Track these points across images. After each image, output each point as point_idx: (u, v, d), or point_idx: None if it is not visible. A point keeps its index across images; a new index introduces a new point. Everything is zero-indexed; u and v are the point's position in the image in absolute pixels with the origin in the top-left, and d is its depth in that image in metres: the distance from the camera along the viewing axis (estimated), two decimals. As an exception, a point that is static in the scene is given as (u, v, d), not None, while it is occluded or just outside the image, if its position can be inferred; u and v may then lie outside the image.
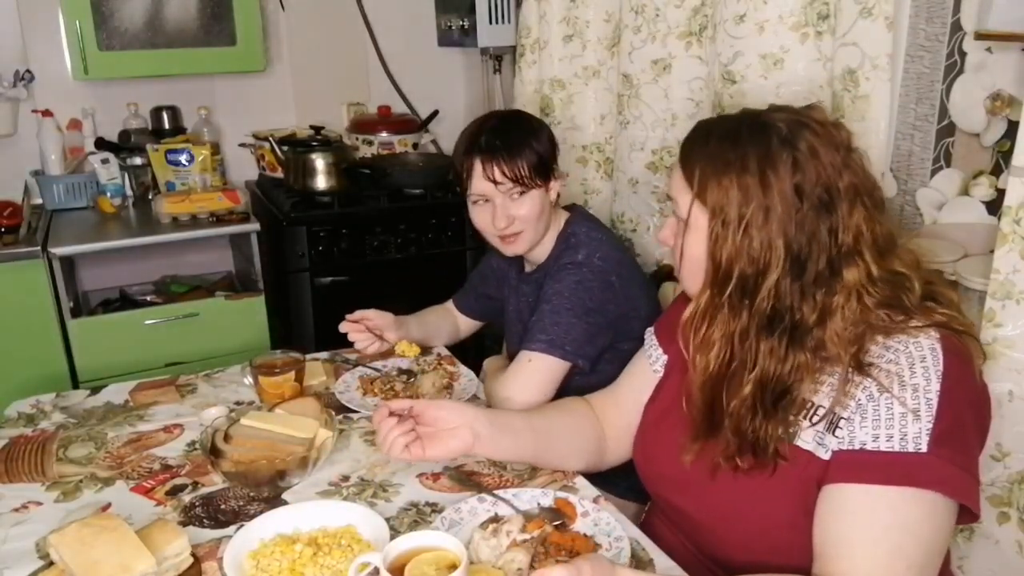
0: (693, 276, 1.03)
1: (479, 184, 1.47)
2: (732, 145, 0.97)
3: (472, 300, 1.80)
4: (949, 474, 0.87)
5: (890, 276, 0.96)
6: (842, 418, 0.92)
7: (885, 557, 0.86)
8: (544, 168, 1.48)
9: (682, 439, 1.05)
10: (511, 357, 1.56)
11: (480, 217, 1.51)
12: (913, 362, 0.90)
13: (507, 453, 1.18)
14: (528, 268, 1.63)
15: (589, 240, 1.51)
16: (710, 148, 0.99)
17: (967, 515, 0.91)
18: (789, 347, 0.95)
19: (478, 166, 1.46)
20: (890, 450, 0.88)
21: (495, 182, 1.45)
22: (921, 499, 0.87)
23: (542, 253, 1.56)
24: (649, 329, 1.28)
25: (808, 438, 0.95)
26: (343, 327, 1.60)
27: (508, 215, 1.47)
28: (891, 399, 0.89)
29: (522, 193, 1.47)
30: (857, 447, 0.90)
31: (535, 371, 1.40)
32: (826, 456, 0.93)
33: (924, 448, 0.87)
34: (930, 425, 0.87)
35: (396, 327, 1.61)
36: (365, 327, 1.60)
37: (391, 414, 1.13)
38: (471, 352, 1.69)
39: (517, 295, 1.65)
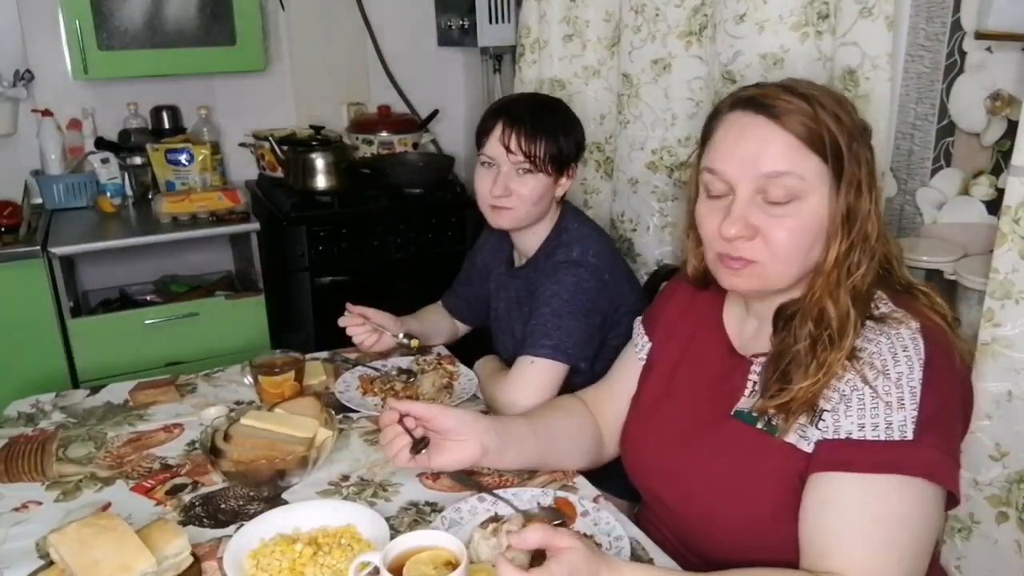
0: (804, 252, 0.96)
1: (493, 146, 1.47)
2: (826, 95, 0.95)
3: (458, 301, 1.79)
4: (936, 460, 0.87)
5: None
6: (824, 410, 0.92)
7: (876, 550, 0.86)
8: (559, 160, 1.48)
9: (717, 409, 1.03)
10: (503, 356, 1.55)
11: (481, 181, 1.51)
12: (895, 351, 0.90)
13: (511, 464, 1.18)
14: (518, 261, 1.62)
15: (581, 236, 1.51)
16: (811, 101, 0.93)
17: (950, 500, 0.92)
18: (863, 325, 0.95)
19: (498, 129, 1.46)
20: (876, 439, 0.88)
21: (508, 150, 1.45)
22: (909, 487, 0.87)
23: (533, 244, 1.55)
24: (637, 319, 1.28)
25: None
26: (342, 321, 1.58)
27: (507, 186, 1.47)
28: (875, 389, 0.89)
29: (528, 172, 1.46)
30: (843, 436, 0.90)
31: (538, 375, 1.39)
32: (808, 448, 0.93)
33: (910, 436, 0.87)
34: (915, 413, 0.87)
35: (396, 326, 1.61)
36: (364, 321, 1.58)
37: (401, 420, 1.11)
38: (471, 352, 1.69)
39: (506, 290, 1.64)
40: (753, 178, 0.95)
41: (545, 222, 1.55)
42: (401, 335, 1.59)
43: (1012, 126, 1.32)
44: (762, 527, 0.97)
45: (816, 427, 0.92)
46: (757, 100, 0.96)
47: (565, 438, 1.22)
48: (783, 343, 0.98)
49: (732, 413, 1.02)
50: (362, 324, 1.58)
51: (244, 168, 2.88)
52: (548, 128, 1.46)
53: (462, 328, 1.82)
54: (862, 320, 0.94)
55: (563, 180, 1.51)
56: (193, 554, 1.00)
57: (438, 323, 1.76)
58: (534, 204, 1.49)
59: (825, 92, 0.96)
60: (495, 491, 1.12)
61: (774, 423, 0.96)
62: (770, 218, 0.94)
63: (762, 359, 1.02)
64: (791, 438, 0.94)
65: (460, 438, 1.10)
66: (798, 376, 0.93)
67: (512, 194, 1.47)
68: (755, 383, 1.02)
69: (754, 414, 1.00)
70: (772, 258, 0.96)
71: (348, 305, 1.60)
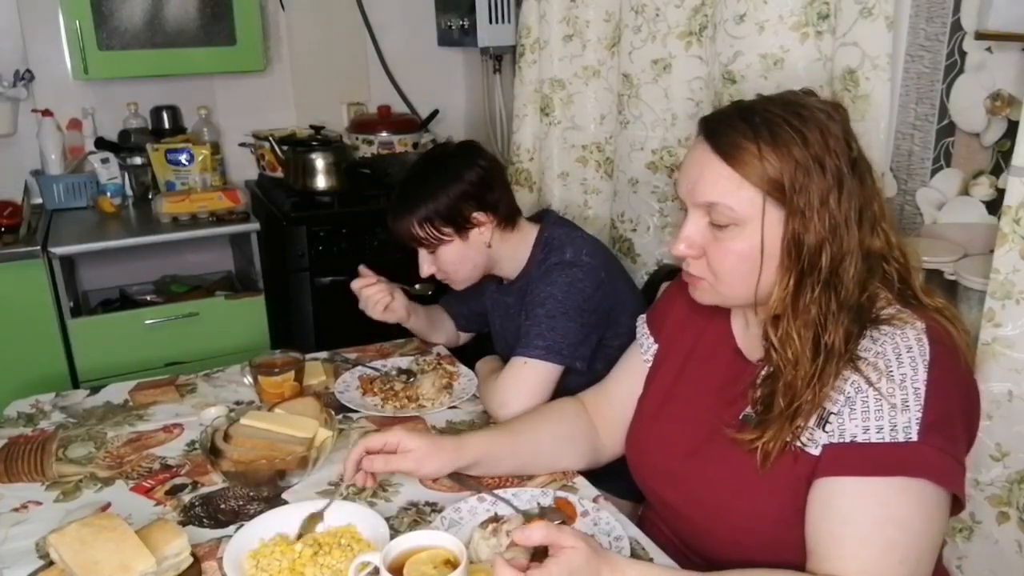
0: (745, 278, 0.96)
1: None
2: (783, 122, 0.92)
3: (453, 310, 1.78)
4: (939, 462, 0.86)
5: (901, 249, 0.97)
6: (831, 413, 0.92)
7: (877, 553, 0.86)
8: (447, 222, 1.44)
9: (715, 424, 1.03)
10: (505, 361, 1.55)
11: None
12: (900, 352, 0.90)
13: (481, 472, 1.19)
14: (505, 281, 1.60)
15: (571, 239, 1.50)
16: (759, 130, 0.92)
17: (955, 505, 0.91)
18: (867, 328, 0.93)
19: None
20: (881, 441, 0.88)
21: (401, 239, 1.49)
22: (911, 489, 0.86)
23: (515, 267, 1.54)
24: (641, 317, 1.27)
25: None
26: (355, 284, 1.58)
27: (428, 267, 1.50)
28: (879, 390, 0.89)
29: (431, 248, 1.47)
30: (848, 440, 0.90)
31: (531, 377, 1.37)
32: (816, 452, 0.92)
33: (915, 437, 0.86)
34: (919, 414, 0.87)
35: (404, 299, 1.62)
36: (378, 280, 1.58)
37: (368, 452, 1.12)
38: (472, 352, 1.69)
39: (499, 307, 1.63)
40: (694, 203, 0.98)
41: (516, 248, 1.52)
42: (416, 286, 1.60)
43: (1012, 126, 1.32)
44: (768, 531, 0.97)
45: (823, 430, 0.92)
46: (710, 125, 0.97)
47: (552, 444, 1.22)
48: (768, 368, 0.99)
49: (740, 418, 1.02)
50: (376, 283, 1.58)
51: (244, 168, 2.88)
52: (410, 205, 1.45)
53: (463, 336, 1.81)
54: (860, 328, 0.93)
55: (475, 231, 1.46)
56: (193, 554, 1.00)
57: (442, 320, 1.76)
58: (462, 265, 1.49)
59: (788, 119, 0.92)
60: (495, 491, 1.12)
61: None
62: (714, 240, 0.97)
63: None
64: (798, 441, 0.94)
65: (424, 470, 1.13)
66: (772, 420, 0.94)
67: (438, 269, 1.50)
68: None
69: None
70: (715, 279, 1.00)
71: (361, 268, 1.61)
